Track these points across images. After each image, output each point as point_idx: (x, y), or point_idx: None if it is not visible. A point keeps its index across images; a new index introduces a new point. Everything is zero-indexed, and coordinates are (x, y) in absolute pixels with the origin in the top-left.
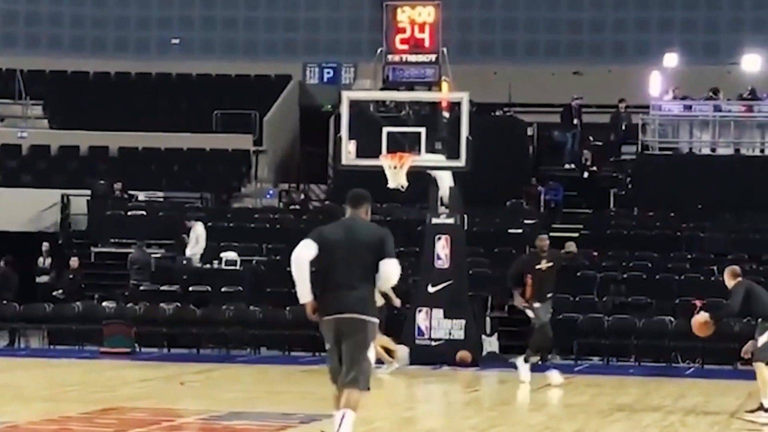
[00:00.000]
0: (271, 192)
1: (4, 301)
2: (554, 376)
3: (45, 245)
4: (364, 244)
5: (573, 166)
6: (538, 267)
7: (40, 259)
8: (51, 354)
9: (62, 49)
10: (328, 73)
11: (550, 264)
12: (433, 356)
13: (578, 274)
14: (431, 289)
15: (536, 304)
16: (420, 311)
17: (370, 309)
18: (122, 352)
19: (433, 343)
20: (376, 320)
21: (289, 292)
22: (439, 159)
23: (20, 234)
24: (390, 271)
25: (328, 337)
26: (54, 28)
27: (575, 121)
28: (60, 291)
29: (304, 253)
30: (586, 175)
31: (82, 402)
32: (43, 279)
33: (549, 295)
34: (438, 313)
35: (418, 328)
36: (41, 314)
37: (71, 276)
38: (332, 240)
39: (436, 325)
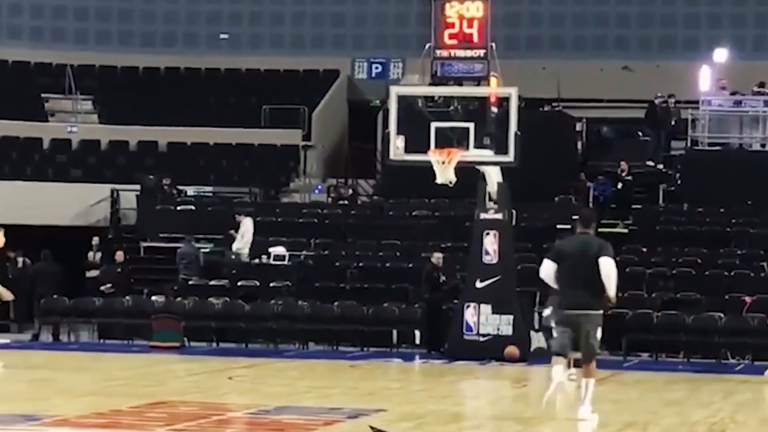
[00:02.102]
0: (319, 187)
1: (54, 296)
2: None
3: (95, 240)
4: (592, 254)
5: (662, 166)
6: None
7: (90, 254)
8: (100, 348)
9: (111, 44)
10: (377, 68)
11: None
12: (481, 352)
13: (627, 270)
14: (479, 285)
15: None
16: (468, 307)
17: (597, 304)
18: (171, 347)
19: (481, 339)
20: (601, 311)
21: (337, 287)
22: (487, 154)
23: (70, 228)
24: (605, 265)
25: (564, 323)
26: (103, 23)
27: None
28: (109, 285)
29: (544, 273)
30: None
31: (131, 396)
32: (93, 273)
33: None
34: (486, 308)
35: (467, 323)
36: (91, 308)
37: (119, 270)
38: (568, 251)
39: (484, 320)
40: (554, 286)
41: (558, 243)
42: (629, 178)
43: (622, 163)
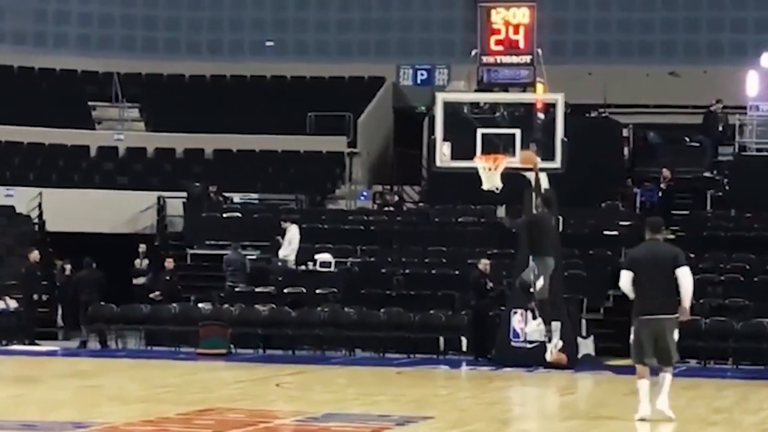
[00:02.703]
0: (365, 193)
1: (100, 303)
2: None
3: (142, 247)
4: (665, 261)
5: (715, 174)
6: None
7: (137, 261)
8: (148, 355)
9: (158, 52)
10: (422, 74)
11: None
12: (528, 358)
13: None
14: None
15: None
16: (515, 313)
17: (672, 308)
18: (218, 354)
19: (529, 345)
20: (676, 315)
21: (384, 294)
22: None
23: (117, 236)
24: (682, 275)
25: (644, 328)
26: (149, 31)
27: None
28: (157, 293)
29: (623, 284)
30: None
31: (179, 403)
32: (140, 280)
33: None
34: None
35: (513, 330)
36: (138, 315)
37: (167, 277)
38: (641, 259)
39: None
40: (631, 296)
41: (631, 252)
42: (671, 183)
43: (664, 170)
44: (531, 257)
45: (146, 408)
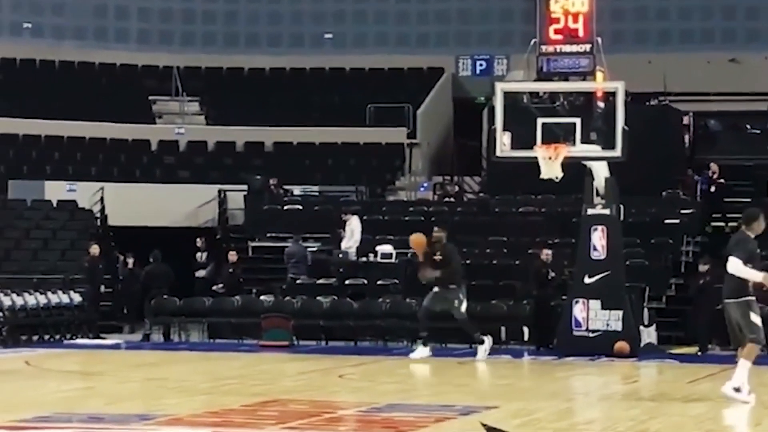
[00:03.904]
0: (425, 185)
1: (165, 296)
2: (418, 350)
3: (200, 240)
4: (729, 250)
5: None
6: (433, 258)
7: (198, 254)
8: (211, 347)
9: (217, 46)
10: (481, 65)
11: (441, 258)
12: (590, 347)
13: None
14: (588, 281)
15: (435, 288)
16: (577, 303)
17: (734, 294)
18: (280, 346)
19: (591, 335)
20: (742, 299)
21: None
22: (594, 149)
23: (178, 229)
24: (729, 263)
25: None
26: (209, 25)
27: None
28: (220, 285)
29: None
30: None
31: (242, 395)
32: (200, 273)
33: (452, 286)
34: (595, 304)
35: (576, 319)
36: (201, 308)
37: (230, 270)
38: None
39: (593, 316)
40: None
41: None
42: (721, 180)
43: (712, 164)
44: (437, 288)
45: (210, 400)
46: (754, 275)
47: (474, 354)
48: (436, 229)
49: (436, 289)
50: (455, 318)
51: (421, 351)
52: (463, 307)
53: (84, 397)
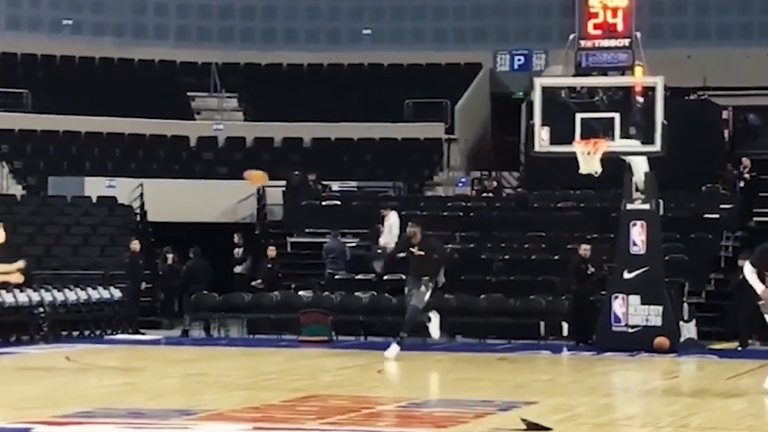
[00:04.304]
0: (463, 180)
1: (204, 292)
2: (390, 350)
3: (237, 236)
4: None
5: None
6: (411, 249)
7: (236, 250)
8: (250, 343)
9: (255, 42)
10: (519, 60)
11: (422, 253)
12: (630, 343)
13: None
14: (627, 276)
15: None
16: (616, 298)
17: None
18: (320, 341)
19: (630, 330)
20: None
21: (483, 280)
22: (633, 144)
23: (217, 225)
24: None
25: None
26: (247, 21)
27: None
28: (259, 281)
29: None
30: None
31: (282, 390)
32: (238, 269)
33: (424, 278)
34: (635, 299)
35: (615, 314)
36: (240, 304)
37: (269, 266)
38: None
39: (632, 311)
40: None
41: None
42: (753, 174)
43: (744, 159)
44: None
45: (250, 395)
46: (757, 286)
47: (386, 346)
48: (410, 224)
49: (408, 278)
50: (408, 303)
51: (393, 349)
52: (426, 297)
53: (124, 392)
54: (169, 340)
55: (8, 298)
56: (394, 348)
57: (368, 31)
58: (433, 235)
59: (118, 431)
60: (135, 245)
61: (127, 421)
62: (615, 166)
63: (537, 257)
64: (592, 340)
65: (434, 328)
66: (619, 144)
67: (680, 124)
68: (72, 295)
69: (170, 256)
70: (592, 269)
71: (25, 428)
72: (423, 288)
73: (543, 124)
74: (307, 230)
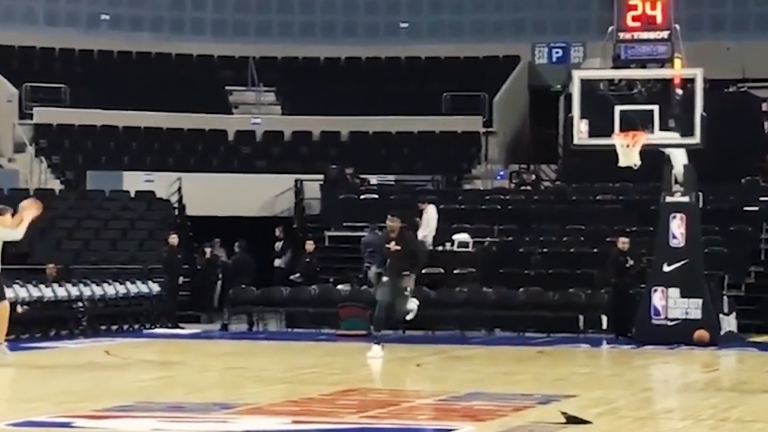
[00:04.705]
0: (501, 173)
1: (242, 286)
2: (373, 349)
3: (278, 229)
4: None
5: None
6: (387, 246)
7: (277, 244)
8: (288, 337)
9: (293, 36)
10: (557, 52)
11: (398, 248)
12: (669, 336)
13: None
14: (667, 269)
15: (386, 278)
16: (656, 291)
17: None
18: (358, 335)
19: (670, 323)
20: None
21: (522, 273)
22: (672, 136)
23: (255, 219)
24: None
25: None
26: (284, 14)
27: None
28: (297, 275)
29: None
30: None
31: (321, 384)
32: (278, 263)
33: (404, 273)
34: (674, 292)
35: (654, 307)
36: (279, 298)
37: (307, 260)
38: None
39: (672, 304)
40: None
41: None
42: None
43: None
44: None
45: (289, 389)
46: None
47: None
48: (389, 217)
49: (385, 279)
50: (395, 308)
51: (377, 350)
52: (411, 304)
53: (164, 386)
54: (207, 334)
55: (47, 292)
56: (376, 348)
57: (406, 25)
58: (412, 233)
59: (158, 425)
60: (173, 239)
61: (166, 414)
62: (654, 158)
63: (576, 250)
64: (631, 334)
65: (377, 350)
66: (658, 136)
67: (719, 116)
68: (111, 289)
69: (207, 251)
70: (631, 262)
71: (66, 422)
72: (407, 288)
73: (582, 117)
74: (344, 224)
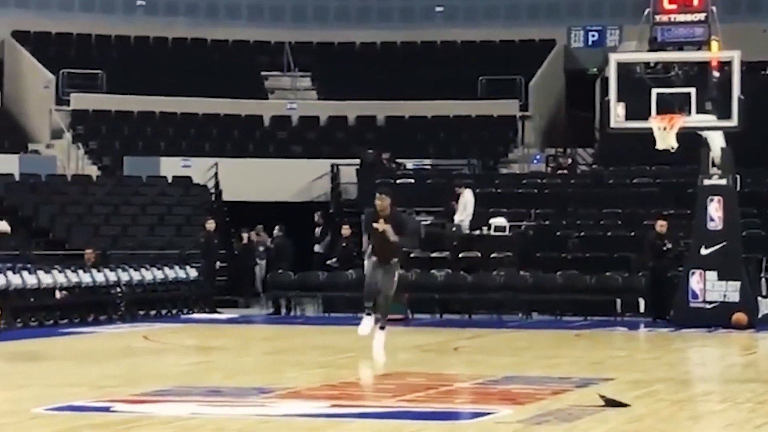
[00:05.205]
0: (537, 157)
1: (279, 270)
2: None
3: (317, 215)
4: None
5: None
6: (375, 226)
7: (317, 229)
8: (326, 321)
9: (328, 21)
10: (593, 36)
11: (386, 227)
12: (707, 319)
13: None
14: (704, 252)
15: (373, 258)
16: (693, 274)
17: None
18: (395, 319)
19: (708, 306)
20: None
21: (559, 257)
22: (709, 119)
23: (292, 204)
24: None
25: None
26: None
27: None
28: (334, 260)
29: None
30: None
31: (359, 368)
32: (317, 248)
33: (394, 261)
34: (712, 275)
35: (692, 290)
36: (316, 282)
37: (344, 244)
38: None
39: (710, 287)
40: None
41: None
42: None
43: None
44: (375, 258)
45: (327, 373)
46: None
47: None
48: (378, 195)
49: (374, 258)
50: (382, 292)
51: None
52: (395, 279)
53: (202, 371)
54: (245, 319)
55: (86, 278)
56: (369, 319)
57: (441, 9)
58: (407, 212)
59: (197, 409)
60: (210, 224)
61: (205, 399)
62: (691, 141)
63: (612, 234)
64: (669, 317)
65: (380, 339)
66: (695, 119)
67: (757, 98)
68: (148, 274)
69: (245, 236)
70: (669, 245)
71: (105, 406)
72: (396, 273)
73: (618, 100)
74: None
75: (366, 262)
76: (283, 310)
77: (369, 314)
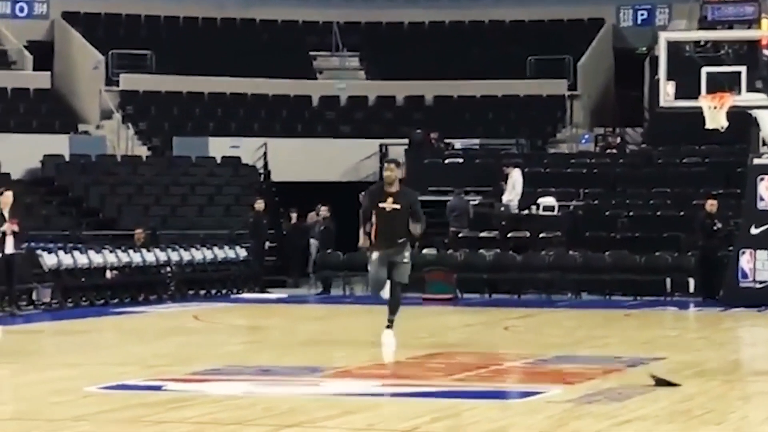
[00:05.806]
0: (586, 136)
1: (328, 250)
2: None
3: (362, 195)
4: None
5: None
6: (382, 205)
7: None
8: (375, 301)
9: (377, 0)
10: (642, 14)
11: (397, 207)
12: (758, 298)
13: None
14: (754, 231)
15: (375, 254)
16: (743, 253)
17: None
18: (444, 299)
19: (758, 285)
20: None
21: (608, 236)
22: (760, 98)
23: (340, 184)
24: None
25: None
26: None
27: None
28: None
29: None
30: None
31: (408, 347)
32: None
33: (401, 241)
34: (762, 254)
35: (742, 270)
36: (363, 262)
37: None
38: None
39: (760, 267)
40: None
41: None
42: None
43: None
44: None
45: (377, 353)
46: None
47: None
48: (386, 165)
49: (377, 253)
50: (394, 279)
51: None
52: (408, 267)
53: (253, 350)
54: (294, 299)
55: (136, 258)
56: (388, 334)
57: None
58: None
59: (249, 388)
60: (259, 204)
61: (256, 378)
62: (741, 120)
63: (662, 213)
64: (718, 296)
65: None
66: (745, 98)
67: None
68: (198, 254)
69: (293, 215)
70: (719, 225)
71: (157, 385)
72: (406, 255)
73: (668, 79)
74: (429, 188)
75: (369, 262)
76: (317, 290)
77: (389, 327)
